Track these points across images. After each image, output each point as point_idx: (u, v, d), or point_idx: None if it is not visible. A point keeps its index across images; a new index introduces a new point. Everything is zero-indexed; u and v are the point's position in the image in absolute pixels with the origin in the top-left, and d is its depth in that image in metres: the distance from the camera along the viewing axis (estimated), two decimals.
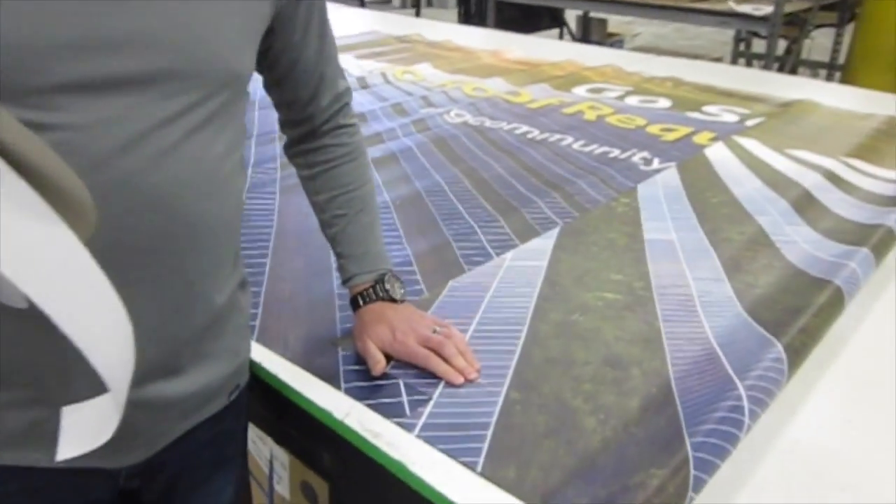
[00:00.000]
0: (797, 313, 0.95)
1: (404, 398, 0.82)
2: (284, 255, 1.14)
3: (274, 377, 0.87)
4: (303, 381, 0.86)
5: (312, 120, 0.88)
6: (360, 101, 1.94)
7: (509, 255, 1.14)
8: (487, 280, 1.07)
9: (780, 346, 0.86)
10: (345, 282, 0.92)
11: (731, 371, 0.83)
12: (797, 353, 0.86)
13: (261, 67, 0.82)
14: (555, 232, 1.22)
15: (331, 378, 0.86)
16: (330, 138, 0.89)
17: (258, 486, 1.25)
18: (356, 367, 0.88)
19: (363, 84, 2.11)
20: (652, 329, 0.95)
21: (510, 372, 0.86)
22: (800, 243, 1.17)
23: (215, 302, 0.76)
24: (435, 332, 0.88)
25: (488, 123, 1.78)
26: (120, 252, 0.62)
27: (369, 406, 0.81)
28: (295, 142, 0.91)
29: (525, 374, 0.86)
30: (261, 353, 0.90)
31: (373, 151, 1.57)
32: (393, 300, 0.90)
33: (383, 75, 2.19)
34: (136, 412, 0.71)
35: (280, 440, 0.97)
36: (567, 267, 1.10)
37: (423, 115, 1.83)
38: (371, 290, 0.90)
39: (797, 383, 0.85)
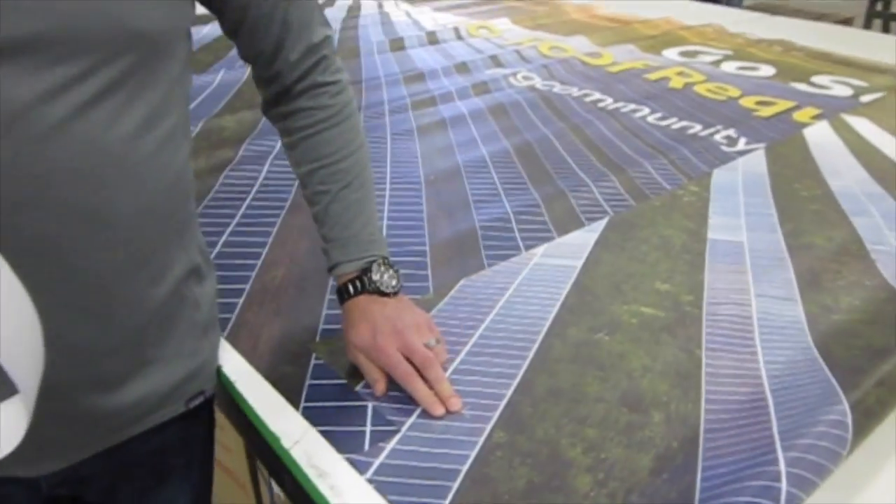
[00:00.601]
0: (881, 356, 0.74)
1: (367, 427, 0.69)
2: (288, 235, 1.02)
3: (231, 385, 0.75)
4: (260, 393, 0.74)
5: (282, 78, 0.74)
6: (423, 58, 1.79)
7: (540, 249, 0.98)
8: (506, 280, 0.91)
9: (846, 405, 0.67)
10: (330, 270, 0.79)
11: (775, 431, 0.65)
12: (868, 416, 0.67)
13: (212, 10, 0.68)
14: (601, 224, 1.04)
15: (293, 392, 0.73)
16: (306, 100, 0.75)
17: (263, 480, 1.16)
18: (324, 382, 0.75)
19: (432, 40, 1.95)
20: (691, 360, 0.77)
21: (502, 404, 0.71)
22: None
23: (150, 301, 0.64)
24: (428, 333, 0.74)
25: (557, 89, 1.59)
26: (4, 253, 0.51)
27: (325, 433, 0.68)
28: (270, 103, 0.78)
29: (520, 408, 0.71)
30: (225, 354, 0.79)
31: (419, 118, 1.43)
32: (382, 293, 0.76)
33: (456, 31, 2.02)
34: (56, 423, 0.61)
35: (252, 448, 0.87)
36: (605, 270, 0.93)
37: (487, 76, 1.66)
38: (357, 281, 0.76)
39: (863, 455, 0.65)
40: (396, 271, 0.78)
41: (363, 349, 0.73)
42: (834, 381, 0.71)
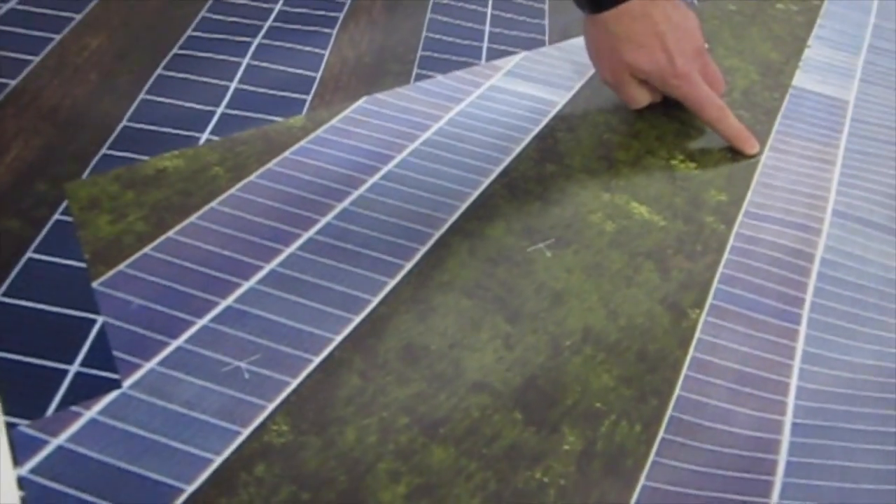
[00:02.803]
0: None
1: (73, 367, 0.40)
2: None
3: None
4: None
5: None
6: None
7: (510, 62, 0.61)
8: (432, 110, 0.56)
9: None
10: None
11: None
12: None
13: None
14: None
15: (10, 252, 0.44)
16: None
17: None
18: (51, 259, 0.45)
19: None
20: (677, 329, 0.44)
21: (315, 362, 0.41)
22: None
23: None
24: None
25: None
26: None
27: (4, 366, 0.40)
28: None
29: (338, 375, 0.40)
30: None
31: None
32: None
33: None
34: None
35: None
36: (596, 118, 0.57)
37: None
38: None
39: None
40: None
41: (655, 75, 0.54)
42: None
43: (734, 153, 0.55)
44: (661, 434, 0.39)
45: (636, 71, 0.54)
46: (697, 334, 0.44)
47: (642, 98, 0.56)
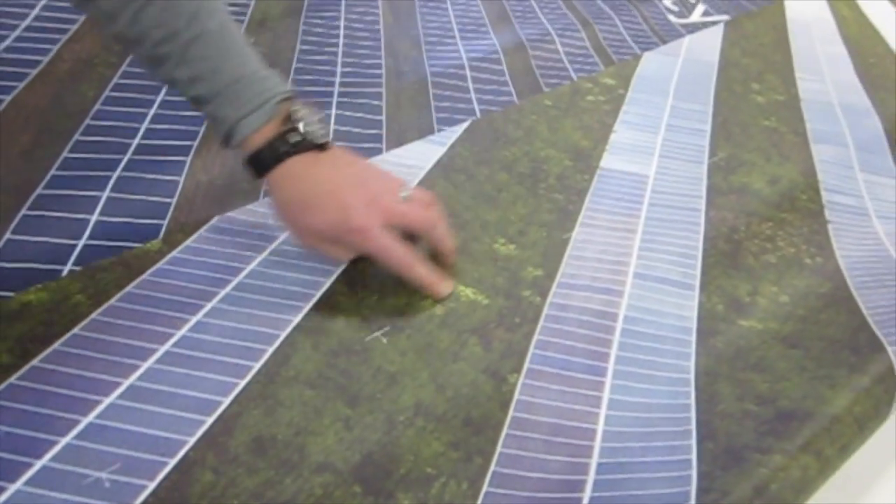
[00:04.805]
0: (790, 432, 0.47)
1: None
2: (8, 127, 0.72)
3: None
4: None
5: None
6: None
7: None
8: (277, 226, 0.62)
9: None
10: (225, 140, 0.55)
11: None
12: None
13: None
14: (457, 131, 0.73)
15: None
16: None
17: None
18: None
19: None
20: (497, 394, 0.50)
21: (168, 466, 0.45)
22: (876, 220, 0.65)
23: None
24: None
25: None
26: None
27: None
28: None
29: (194, 473, 0.44)
30: None
31: None
32: (319, 146, 0.54)
33: None
34: None
35: None
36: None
37: None
38: (278, 141, 0.53)
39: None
40: (316, 110, 0.56)
41: (334, 236, 0.54)
42: (694, 482, 0.44)
43: (550, 233, 0.62)
44: (485, 488, 0.44)
45: (316, 232, 0.54)
46: (516, 396, 0.50)
47: (345, 254, 0.56)
